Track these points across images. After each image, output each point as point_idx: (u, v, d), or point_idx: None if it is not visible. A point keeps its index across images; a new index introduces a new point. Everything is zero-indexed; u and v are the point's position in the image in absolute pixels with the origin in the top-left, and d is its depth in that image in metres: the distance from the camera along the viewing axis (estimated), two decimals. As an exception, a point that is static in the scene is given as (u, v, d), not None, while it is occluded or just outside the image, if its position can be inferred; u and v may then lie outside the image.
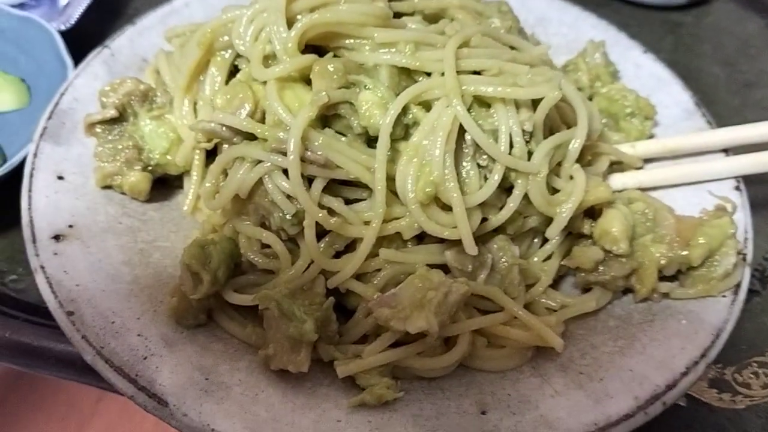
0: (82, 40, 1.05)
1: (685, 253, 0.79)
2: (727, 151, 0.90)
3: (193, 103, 0.86)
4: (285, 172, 0.72)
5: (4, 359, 0.84)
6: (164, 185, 0.90)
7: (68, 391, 2.17)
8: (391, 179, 0.73)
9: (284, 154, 0.71)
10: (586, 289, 0.82)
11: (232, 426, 0.65)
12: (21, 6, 1.18)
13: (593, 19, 1.09)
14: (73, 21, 1.13)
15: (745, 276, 0.80)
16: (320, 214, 0.72)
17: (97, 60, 0.96)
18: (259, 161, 0.73)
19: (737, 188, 0.87)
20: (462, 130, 0.73)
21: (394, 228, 0.74)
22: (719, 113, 1.12)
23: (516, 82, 0.75)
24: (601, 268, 0.79)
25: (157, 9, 1.04)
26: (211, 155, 0.85)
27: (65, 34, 1.07)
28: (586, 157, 0.85)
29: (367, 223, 0.74)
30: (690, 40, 1.33)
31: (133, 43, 1.00)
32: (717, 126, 0.95)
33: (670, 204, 0.86)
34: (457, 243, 0.73)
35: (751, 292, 0.94)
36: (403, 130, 0.74)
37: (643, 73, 1.03)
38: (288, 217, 0.73)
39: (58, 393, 2.18)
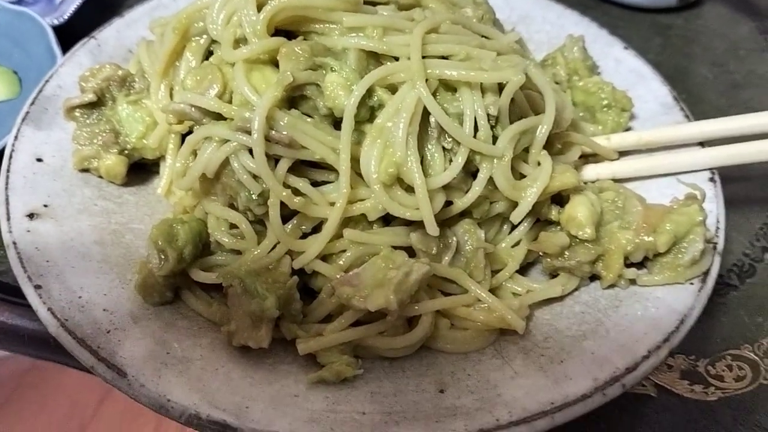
0: (76, 35, 1.06)
1: (651, 239, 0.79)
2: (703, 144, 0.91)
3: (169, 88, 0.87)
4: (251, 151, 0.73)
5: (-22, 338, 0.86)
6: (142, 170, 0.91)
7: (70, 393, 2.19)
8: (356, 160, 0.74)
9: (249, 133, 0.72)
10: (554, 275, 0.82)
11: (188, 397, 0.66)
12: (20, 2, 1.22)
13: (576, 16, 1.10)
14: (66, 16, 1.16)
15: (715, 264, 0.79)
16: (285, 194, 0.73)
17: (83, 50, 0.98)
18: (226, 140, 0.74)
19: (711, 179, 0.87)
20: (427, 113, 0.74)
21: (359, 209, 0.75)
22: (706, 113, 1.12)
23: (481, 67, 0.76)
24: (567, 253, 0.79)
25: (145, 3, 1.06)
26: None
27: (59, 29, 1.11)
28: (555, 146, 0.85)
29: (332, 204, 0.75)
30: (679, 42, 1.33)
31: (120, 35, 1.02)
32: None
33: (644, 195, 0.86)
34: (421, 225, 0.74)
35: (729, 286, 0.94)
36: (368, 112, 0.75)
37: (623, 68, 1.03)
38: (254, 196, 0.74)
39: (59, 394, 2.20)
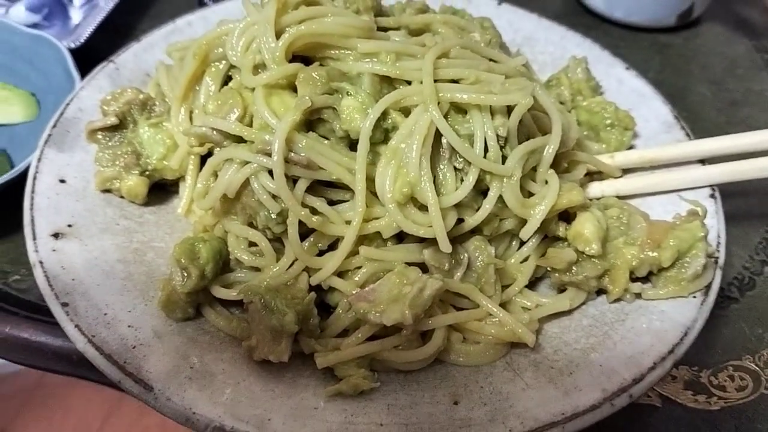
0: (92, 58, 1.10)
1: (655, 254, 0.82)
2: (703, 161, 0.94)
3: (189, 111, 0.90)
4: (270, 172, 0.76)
5: (4, 354, 0.89)
6: (162, 190, 0.94)
7: (76, 409, 2.21)
8: (371, 180, 0.77)
9: (269, 155, 0.75)
10: (562, 290, 0.85)
11: (212, 410, 0.68)
12: (35, 26, 1.25)
13: (578, 38, 1.14)
14: (82, 40, 1.19)
15: (716, 278, 0.82)
16: (303, 213, 0.76)
17: (102, 73, 1.01)
18: (246, 162, 0.77)
19: (712, 196, 0.90)
20: (439, 135, 0.77)
21: (374, 227, 0.78)
22: (705, 130, 1.16)
23: (491, 90, 0.79)
24: (574, 268, 0.82)
25: (162, 27, 1.10)
26: (204, 163, 0.89)
27: (75, 52, 1.13)
28: (562, 164, 0.88)
29: (348, 222, 0.78)
30: (678, 61, 1.37)
31: (138, 59, 1.05)
32: (700, 141, 0.99)
33: (647, 211, 0.90)
34: (434, 242, 0.77)
35: (730, 299, 0.97)
36: (383, 134, 0.78)
37: (625, 88, 1.07)
38: (273, 215, 0.77)
39: (66, 411, 2.22)
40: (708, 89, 1.31)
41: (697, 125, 1.13)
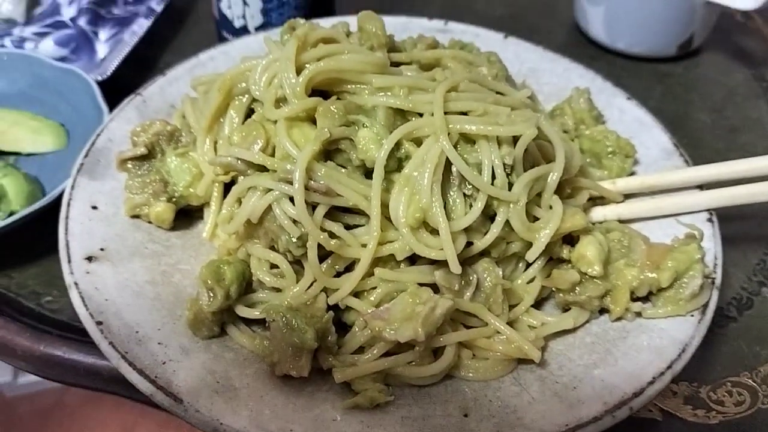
0: (117, 90, 1.15)
1: (654, 275, 0.86)
2: (702, 186, 0.98)
3: (213, 141, 0.96)
4: (291, 199, 0.81)
5: (39, 370, 0.94)
6: (187, 216, 0.99)
7: (94, 430, 2.25)
8: (385, 206, 0.82)
9: (291, 183, 0.80)
10: (566, 309, 0.90)
11: (238, 421, 0.73)
12: (63, 59, 1.31)
13: (581, 69, 1.19)
14: (109, 72, 1.25)
15: (713, 297, 0.86)
16: (322, 237, 0.81)
17: (130, 106, 1.07)
18: (269, 190, 0.83)
19: (709, 220, 0.94)
20: (449, 163, 0.82)
21: (388, 250, 0.83)
22: (705, 156, 1.19)
23: (497, 122, 0.84)
24: (578, 289, 0.86)
25: (185, 62, 1.16)
26: (227, 190, 0.95)
27: (102, 84, 1.19)
28: (566, 190, 0.93)
29: (364, 245, 0.83)
30: (678, 89, 1.42)
31: (163, 91, 1.11)
32: (699, 167, 1.03)
33: (647, 234, 0.94)
34: (445, 264, 0.81)
35: (729, 318, 1.01)
36: (396, 163, 0.83)
37: (627, 117, 1.11)
38: (293, 239, 0.82)
39: (86, 430, 2.26)
40: (708, 116, 1.35)
41: (697, 151, 1.17)
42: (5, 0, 1.40)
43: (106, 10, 1.43)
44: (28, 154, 1.16)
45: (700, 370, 0.94)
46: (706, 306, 0.86)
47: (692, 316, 0.85)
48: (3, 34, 1.37)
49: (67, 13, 1.42)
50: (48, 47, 1.35)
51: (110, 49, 1.34)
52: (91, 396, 2.22)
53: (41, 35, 1.37)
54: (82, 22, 1.38)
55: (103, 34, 1.38)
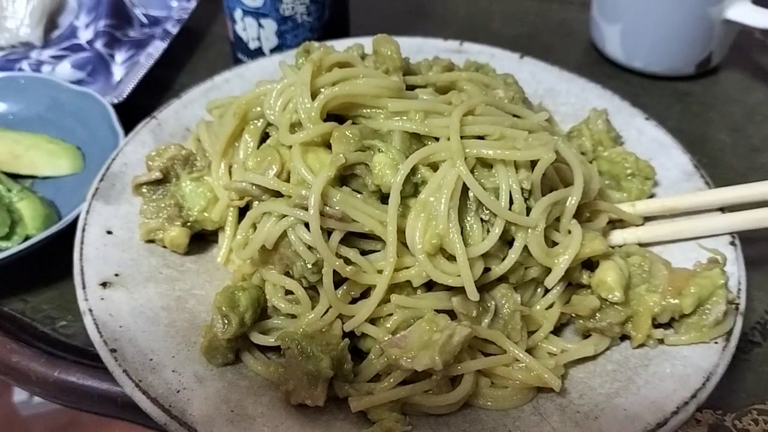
0: (133, 112, 1.16)
1: (676, 301, 0.84)
2: (723, 209, 0.96)
3: (228, 166, 0.95)
4: (307, 225, 0.80)
5: (53, 396, 0.93)
6: (201, 240, 0.99)
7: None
8: (401, 232, 0.81)
9: (306, 209, 0.79)
10: (586, 335, 0.88)
11: (253, 452, 0.72)
12: (80, 82, 1.32)
13: (598, 89, 1.18)
14: (125, 95, 1.25)
15: (737, 324, 0.84)
16: (337, 263, 0.80)
17: (145, 129, 1.07)
18: (284, 215, 0.82)
19: (732, 243, 0.93)
20: (466, 188, 0.81)
21: (405, 276, 0.82)
22: (725, 176, 1.19)
23: (515, 146, 0.83)
24: (598, 315, 0.85)
25: (200, 84, 1.16)
26: (242, 214, 0.94)
27: (118, 107, 1.19)
28: (584, 214, 0.92)
29: (380, 271, 0.82)
30: (698, 108, 1.40)
31: (178, 114, 1.11)
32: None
33: (668, 258, 0.92)
34: (462, 290, 0.80)
35: (753, 343, 0.99)
36: (412, 188, 0.82)
37: (645, 138, 1.10)
38: (309, 265, 0.81)
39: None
40: (728, 136, 1.34)
41: (717, 171, 1.16)
42: (23, 24, 1.42)
43: (122, 33, 1.44)
44: (45, 177, 1.16)
45: (724, 398, 0.91)
46: (730, 333, 0.84)
47: (716, 343, 0.83)
48: (21, 58, 1.38)
49: (84, 36, 1.43)
50: (65, 70, 1.35)
51: (126, 72, 1.35)
52: (106, 416, 2.23)
53: (58, 58, 1.38)
54: (99, 44, 1.39)
55: (120, 56, 1.39)
